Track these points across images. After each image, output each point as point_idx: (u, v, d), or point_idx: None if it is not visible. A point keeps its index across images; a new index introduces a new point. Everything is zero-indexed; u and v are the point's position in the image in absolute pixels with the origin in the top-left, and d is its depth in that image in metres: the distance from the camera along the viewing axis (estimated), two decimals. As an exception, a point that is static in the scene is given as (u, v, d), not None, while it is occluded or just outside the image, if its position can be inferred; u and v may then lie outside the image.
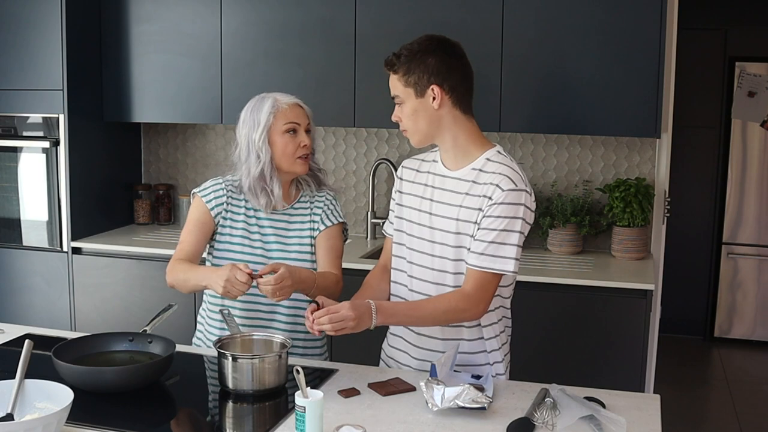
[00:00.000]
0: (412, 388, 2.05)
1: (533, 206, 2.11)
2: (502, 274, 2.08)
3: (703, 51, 5.53)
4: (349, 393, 2.02)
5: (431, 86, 2.08)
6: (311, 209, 2.45)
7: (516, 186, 2.06)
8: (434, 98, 2.08)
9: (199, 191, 2.43)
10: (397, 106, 2.15)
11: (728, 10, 5.51)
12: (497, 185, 2.06)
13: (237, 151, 2.39)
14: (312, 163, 2.46)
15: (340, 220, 2.47)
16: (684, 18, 3.95)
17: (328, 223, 2.44)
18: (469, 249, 2.09)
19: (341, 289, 2.42)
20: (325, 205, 2.47)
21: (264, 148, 2.33)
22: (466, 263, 2.10)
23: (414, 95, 2.10)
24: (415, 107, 2.11)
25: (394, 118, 2.18)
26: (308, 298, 2.32)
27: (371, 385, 2.06)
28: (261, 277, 2.15)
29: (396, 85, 2.12)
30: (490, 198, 2.06)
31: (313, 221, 2.44)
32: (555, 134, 3.80)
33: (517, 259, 2.08)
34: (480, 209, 2.08)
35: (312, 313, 2.02)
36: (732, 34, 5.53)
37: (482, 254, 2.06)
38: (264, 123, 2.33)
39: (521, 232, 2.07)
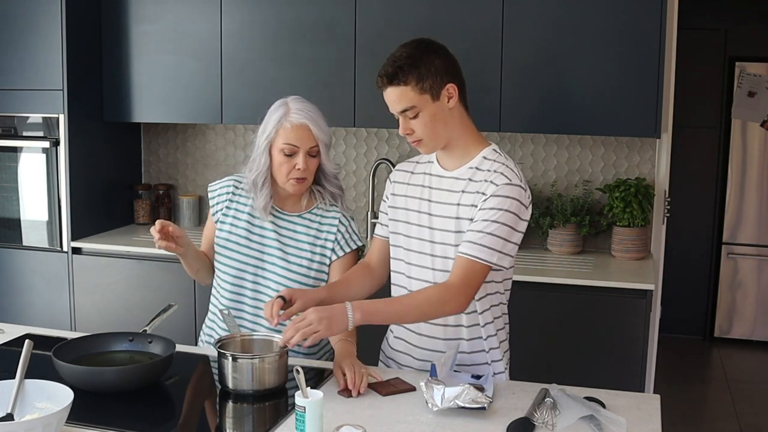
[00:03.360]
0: (412, 388, 2.05)
1: (527, 202, 2.09)
2: (489, 267, 2.05)
3: (703, 51, 5.53)
4: (350, 393, 2.02)
5: (446, 86, 2.05)
6: (320, 224, 2.37)
7: (510, 181, 2.06)
8: (450, 97, 2.06)
9: (210, 192, 2.45)
10: (405, 120, 2.08)
11: (728, 10, 5.52)
12: (491, 181, 2.06)
13: (255, 144, 2.35)
14: (333, 189, 2.37)
15: (359, 244, 2.40)
16: (684, 18, 3.95)
17: (347, 249, 2.37)
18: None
19: None
20: (340, 226, 2.37)
21: (264, 156, 2.30)
22: (457, 251, 2.07)
23: (431, 100, 2.05)
24: (434, 112, 2.06)
25: (404, 132, 2.10)
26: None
27: (371, 385, 2.06)
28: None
29: (408, 96, 2.04)
30: (483, 194, 2.06)
31: (326, 239, 2.36)
32: (555, 134, 3.80)
33: (503, 253, 2.04)
34: (474, 205, 2.08)
35: (273, 309, 2.01)
36: (732, 34, 5.53)
37: (470, 242, 2.04)
38: (268, 133, 2.28)
39: (511, 227, 2.04)
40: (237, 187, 2.41)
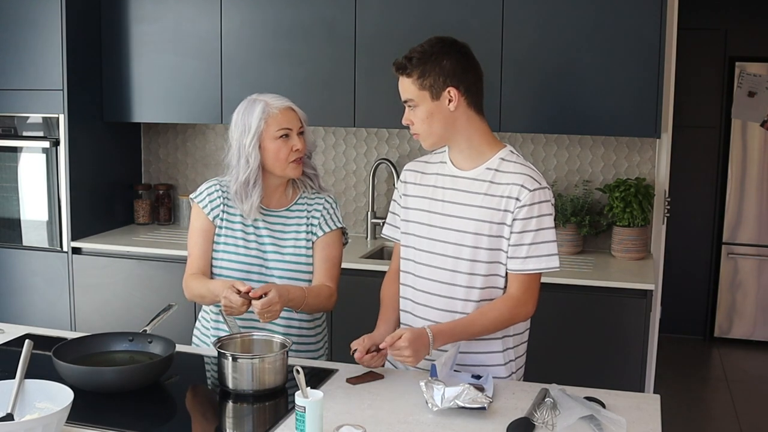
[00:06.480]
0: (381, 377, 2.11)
1: (553, 200, 2.14)
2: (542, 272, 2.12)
3: (703, 51, 5.54)
4: (358, 380, 2.08)
5: (448, 88, 2.06)
6: (308, 212, 2.43)
7: (540, 184, 2.09)
8: (450, 100, 2.07)
9: (195, 197, 2.43)
10: (408, 110, 2.12)
11: (728, 10, 5.52)
12: (521, 185, 2.07)
13: (230, 153, 2.38)
14: (307, 170, 2.44)
15: (339, 225, 2.44)
16: (684, 18, 3.95)
17: (326, 229, 2.42)
18: (507, 254, 2.10)
19: (334, 303, 2.40)
20: (324, 209, 2.44)
21: (254, 154, 2.31)
22: (508, 269, 2.11)
23: (429, 98, 2.07)
24: (431, 110, 2.08)
25: (405, 122, 2.13)
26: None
27: (349, 380, 2.09)
28: (256, 298, 2.15)
29: (409, 88, 2.08)
30: (517, 199, 2.07)
31: (311, 224, 2.42)
32: (555, 134, 3.81)
33: (558, 253, 2.11)
34: (506, 210, 2.08)
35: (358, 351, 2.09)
36: (732, 34, 5.53)
37: (526, 257, 2.08)
38: (255, 128, 2.30)
39: (552, 227, 2.11)
40: (223, 191, 2.41)
